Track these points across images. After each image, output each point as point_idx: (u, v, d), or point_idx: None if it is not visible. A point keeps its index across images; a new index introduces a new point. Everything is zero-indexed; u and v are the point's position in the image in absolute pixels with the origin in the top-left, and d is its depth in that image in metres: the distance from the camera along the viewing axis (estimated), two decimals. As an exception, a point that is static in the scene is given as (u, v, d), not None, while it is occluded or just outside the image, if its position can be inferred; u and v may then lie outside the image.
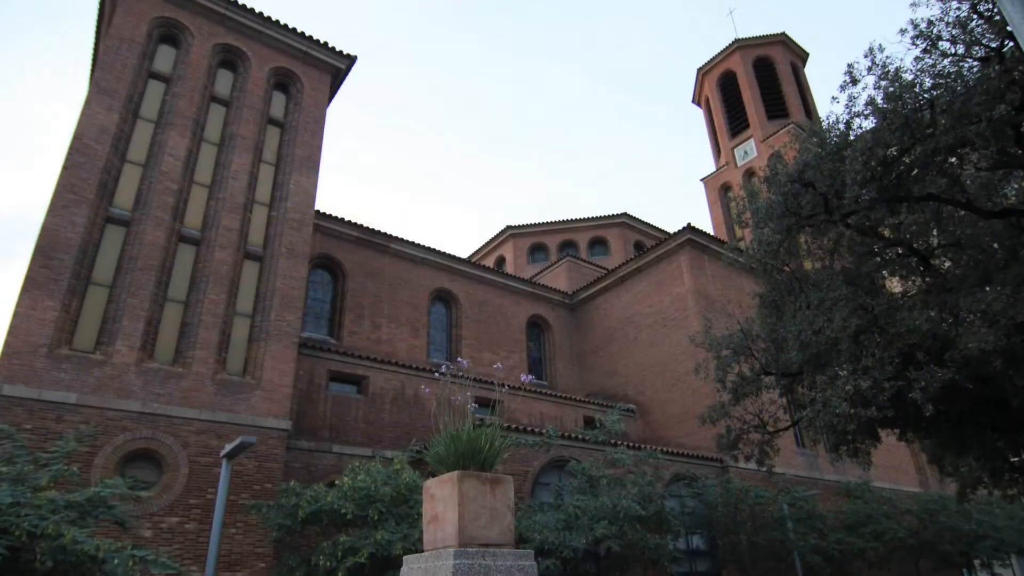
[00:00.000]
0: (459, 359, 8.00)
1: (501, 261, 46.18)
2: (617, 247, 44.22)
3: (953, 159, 11.38)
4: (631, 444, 21.02)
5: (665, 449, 22.56)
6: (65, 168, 17.40)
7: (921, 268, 13.30)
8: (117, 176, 18.61)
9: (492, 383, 7.65)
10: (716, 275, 28.84)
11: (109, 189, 18.23)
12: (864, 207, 11.62)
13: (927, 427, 13.96)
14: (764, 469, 16.91)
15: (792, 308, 13.78)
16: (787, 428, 17.21)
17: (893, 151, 11.06)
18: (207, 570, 12.20)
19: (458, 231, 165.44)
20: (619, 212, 45.22)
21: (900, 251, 13.48)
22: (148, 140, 19.62)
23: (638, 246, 44.19)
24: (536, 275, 38.05)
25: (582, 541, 15.34)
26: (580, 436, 20.75)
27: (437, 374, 7.82)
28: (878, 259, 13.92)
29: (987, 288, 10.93)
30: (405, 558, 6.45)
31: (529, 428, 19.93)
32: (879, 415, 11.41)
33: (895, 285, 14.92)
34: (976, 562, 27.65)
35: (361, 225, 26.92)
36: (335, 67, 24.45)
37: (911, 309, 11.66)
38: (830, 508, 24.49)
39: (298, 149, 22.33)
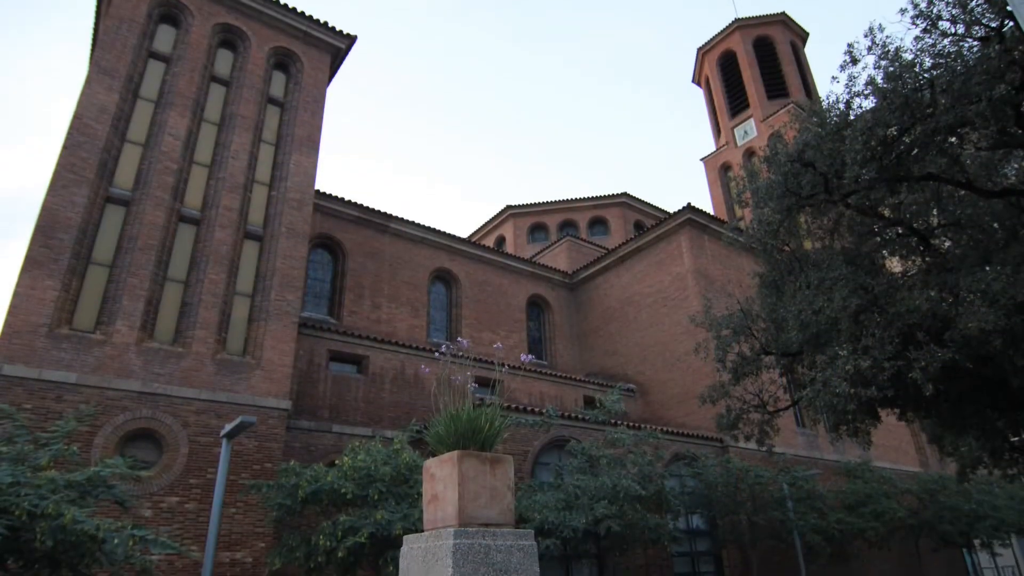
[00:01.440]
0: (459, 339, 7.98)
1: (501, 241, 46.06)
2: (617, 227, 44.08)
3: (953, 139, 11.32)
4: (631, 424, 21.08)
5: (665, 429, 22.62)
6: (65, 148, 17.33)
7: (921, 248, 13.28)
8: (117, 156, 18.54)
9: (492, 363, 7.66)
10: (716, 255, 28.80)
11: (109, 169, 18.18)
12: (864, 187, 11.59)
13: (927, 407, 13.98)
14: (764, 449, 16.96)
15: (792, 288, 13.77)
16: (787, 408, 17.23)
17: (893, 131, 11.01)
18: (207, 549, 12.25)
19: (458, 212, 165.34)
20: (619, 192, 45.04)
21: (900, 231, 13.46)
22: (148, 120, 19.54)
23: (638, 226, 44.08)
24: (536, 255, 37.99)
25: (582, 521, 15.38)
26: (580, 416, 20.80)
27: (437, 354, 7.81)
28: (878, 239, 13.89)
29: (987, 268, 10.92)
30: (405, 538, 6.45)
31: (529, 408, 19.98)
32: (879, 395, 11.43)
33: (895, 265, 14.89)
34: (976, 542, 27.81)
35: (361, 205, 26.87)
36: (335, 47, 24.29)
37: (911, 289, 11.65)
38: (830, 488, 24.61)
39: (298, 129, 22.23)
